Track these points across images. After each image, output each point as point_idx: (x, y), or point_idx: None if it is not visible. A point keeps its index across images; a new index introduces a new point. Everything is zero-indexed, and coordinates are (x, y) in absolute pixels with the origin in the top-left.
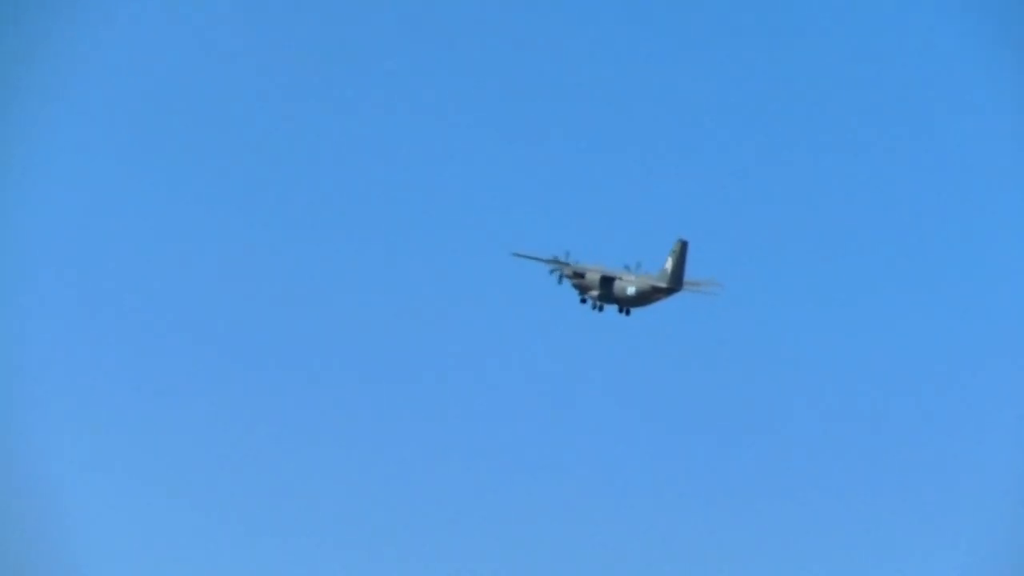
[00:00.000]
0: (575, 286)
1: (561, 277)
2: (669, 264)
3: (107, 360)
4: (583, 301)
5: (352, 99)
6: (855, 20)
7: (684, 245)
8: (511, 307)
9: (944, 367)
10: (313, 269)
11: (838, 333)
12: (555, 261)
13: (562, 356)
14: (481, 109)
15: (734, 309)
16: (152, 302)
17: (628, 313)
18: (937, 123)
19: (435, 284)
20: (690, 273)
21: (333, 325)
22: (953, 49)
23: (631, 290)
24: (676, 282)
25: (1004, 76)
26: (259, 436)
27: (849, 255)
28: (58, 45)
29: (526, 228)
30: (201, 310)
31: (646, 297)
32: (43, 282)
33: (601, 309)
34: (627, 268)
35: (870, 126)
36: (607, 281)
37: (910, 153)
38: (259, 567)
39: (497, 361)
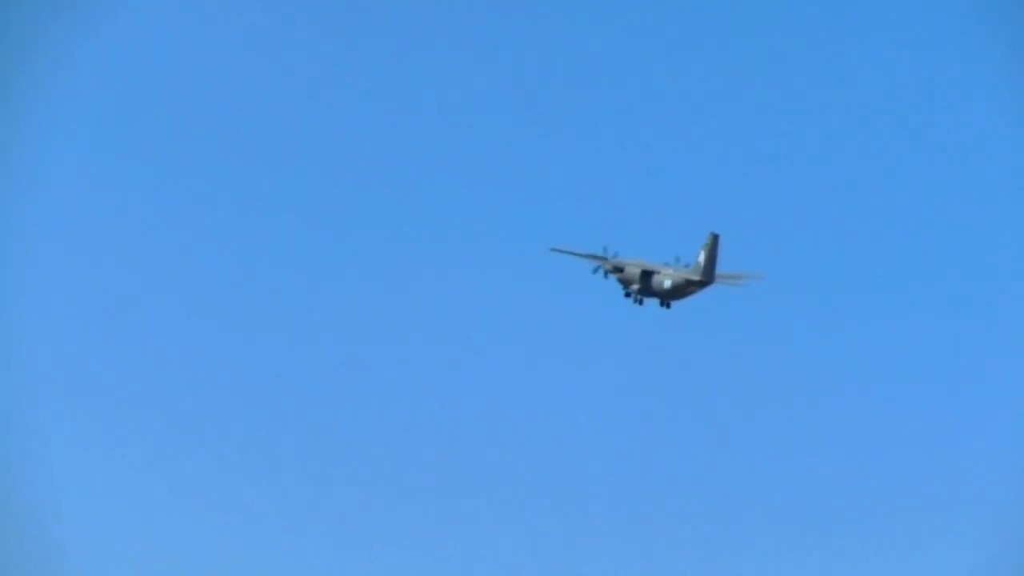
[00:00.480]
0: (619, 280)
1: (598, 270)
2: (702, 257)
3: (107, 360)
4: (627, 295)
5: (386, 98)
6: (881, 18)
7: (715, 238)
8: (551, 301)
9: (975, 364)
10: (340, 270)
11: (865, 329)
12: (594, 256)
13: (605, 348)
14: (510, 107)
15: (762, 302)
16: (153, 302)
17: (668, 306)
18: (963, 122)
19: (465, 280)
20: (731, 266)
21: (362, 325)
22: (973, 46)
23: (667, 283)
24: (708, 274)
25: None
26: (273, 437)
27: (877, 252)
28: (58, 45)
29: (561, 225)
30: (204, 310)
31: (680, 290)
32: (43, 281)
33: (641, 303)
34: (676, 260)
35: (899, 126)
36: (646, 275)
37: (939, 151)
38: (260, 567)
39: (538, 354)
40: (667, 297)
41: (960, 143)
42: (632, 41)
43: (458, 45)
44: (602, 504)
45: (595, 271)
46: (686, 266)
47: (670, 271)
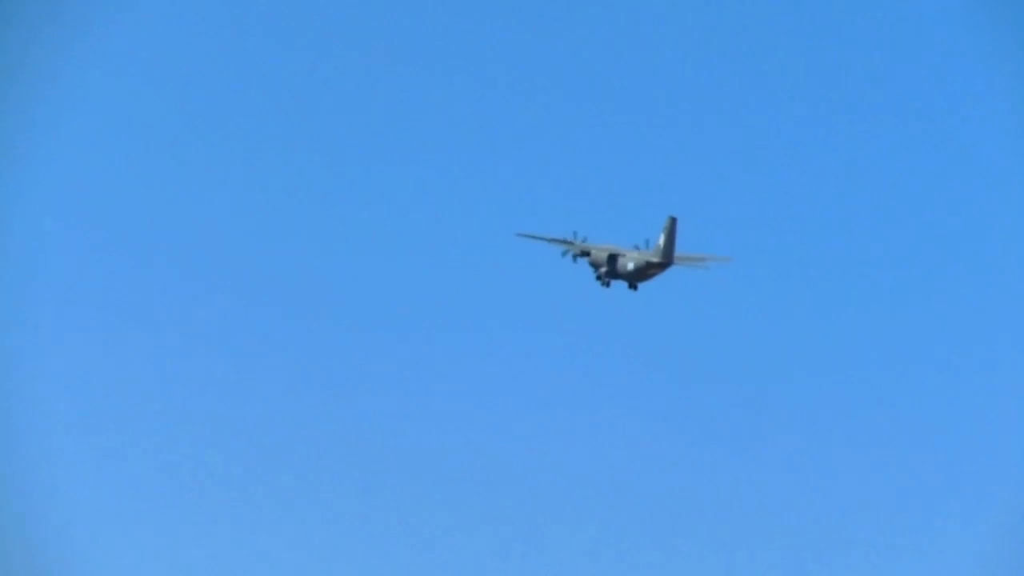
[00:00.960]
0: (590, 264)
1: (572, 255)
2: (661, 240)
3: (108, 361)
4: (599, 278)
5: (353, 88)
6: (854, 10)
7: (673, 221)
8: (520, 286)
9: (950, 351)
10: (317, 263)
11: (833, 314)
12: (561, 241)
13: (575, 329)
14: (482, 98)
15: (727, 284)
16: (153, 303)
17: (635, 288)
18: (943, 114)
19: (438, 268)
20: (695, 249)
21: (339, 318)
22: (955, 39)
23: (630, 265)
24: (667, 256)
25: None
26: (263, 436)
27: (843, 238)
28: (58, 44)
29: (529, 211)
30: (203, 310)
31: (642, 272)
32: (42, 282)
33: (608, 285)
34: (636, 247)
35: (878, 116)
36: (612, 258)
37: (916, 137)
38: (259, 568)
39: (513, 342)
40: (631, 279)
41: (937, 130)
42: (604, 28)
43: (430, 36)
44: (575, 491)
45: (564, 254)
46: (644, 246)
47: (634, 254)
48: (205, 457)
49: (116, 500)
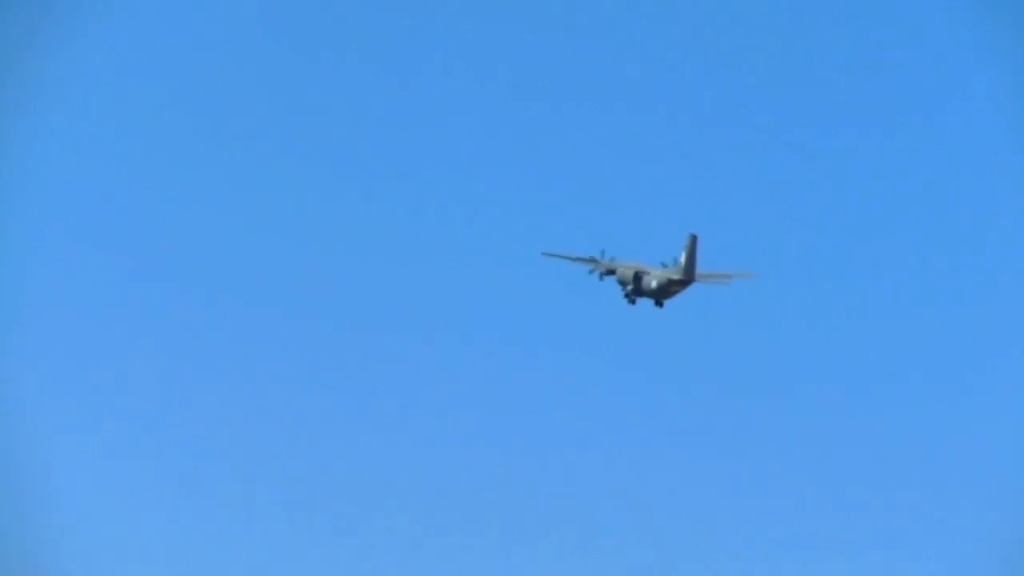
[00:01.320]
0: (617, 282)
1: (598, 274)
2: (683, 258)
3: (107, 362)
4: (626, 296)
5: (372, 100)
6: (862, 15)
7: (694, 239)
8: (547, 304)
9: (970, 365)
10: (346, 281)
11: (857, 328)
12: (588, 260)
13: (605, 348)
14: (511, 118)
15: (747, 302)
16: (152, 304)
17: (661, 305)
18: (946, 117)
19: (466, 287)
20: (721, 265)
21: (365, 336)
22: (957, 43)
23: (654, 283)
24: (689, 274)
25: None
26: (266, 439)
27: (870, 251)
28: (56, 44)
29: (556, 229)
30: (203, 311)
31: (665, 289)
32: (42, 283)
33: (634, 302)
34: (673, 260)
35: (888, 122)
36: (637, 276)
37: (932, 148)
38: (258, 568)
39: (542, 359)
40: (656, 296)
41: (954, 140)
42: (631, 43)
43: (450, 47)
44: (600, 503)
45: (591, 273)
46: (671, 264)
47: (657, 272)
48: (205, 458)
49: (116, 500)
